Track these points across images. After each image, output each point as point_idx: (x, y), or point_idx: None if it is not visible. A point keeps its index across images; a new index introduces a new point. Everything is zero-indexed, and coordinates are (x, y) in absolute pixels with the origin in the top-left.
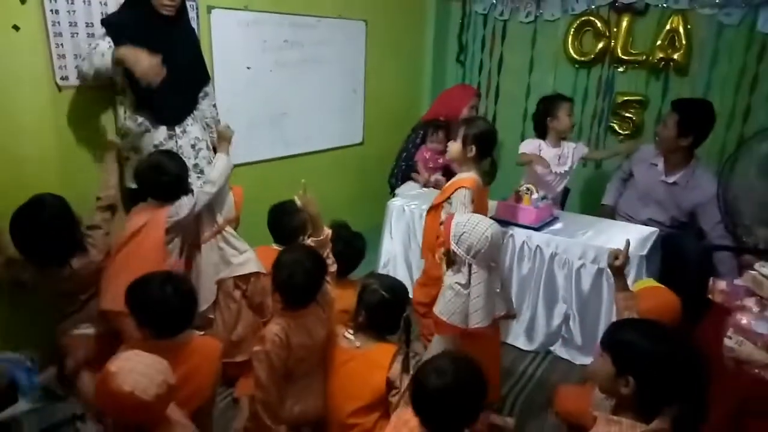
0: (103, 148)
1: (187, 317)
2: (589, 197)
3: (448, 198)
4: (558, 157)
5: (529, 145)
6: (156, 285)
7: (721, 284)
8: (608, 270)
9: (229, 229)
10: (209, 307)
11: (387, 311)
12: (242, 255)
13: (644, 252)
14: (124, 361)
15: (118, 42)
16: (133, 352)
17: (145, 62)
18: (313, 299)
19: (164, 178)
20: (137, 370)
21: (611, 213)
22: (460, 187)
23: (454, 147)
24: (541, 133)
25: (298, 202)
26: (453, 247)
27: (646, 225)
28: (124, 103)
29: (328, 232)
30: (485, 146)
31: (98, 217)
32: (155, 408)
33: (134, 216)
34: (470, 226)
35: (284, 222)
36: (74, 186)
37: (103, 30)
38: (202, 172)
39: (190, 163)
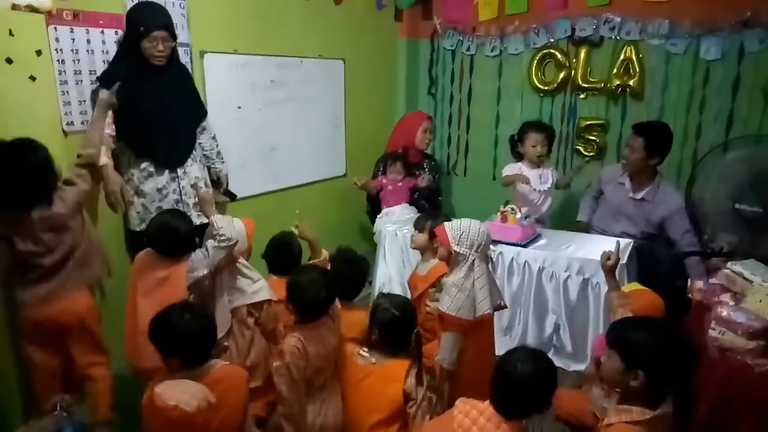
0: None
1: (209, 342)
2: (562, 216)
3: (433, 285)
4: (539, 176)
5: (512, 168)
6: (177, 314)
7: (699, 284)
8: (592, 281)
9: (241, 259)
10: (224, 335)
11: (398, 328)
12: (255, 284)
13: (623, 261)
14: (167, 384)
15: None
16: (173, 381)
17: (115, 186)
18: (327, 312)
19: (174, 236)
20: (179, 389)
21: (586, 229)
22: (444, 274)
23: (421, 237)
24: (517, 155)
25: (295, 231)
26: (455, 248)
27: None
28: (125, 150)
29: (326, 253)
30: None
31: (74, 172)
32: (196, 422)
33: (146, 266)
34: (465, 226)
35: (284, 253)
36: None
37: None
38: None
39: (191, 202)
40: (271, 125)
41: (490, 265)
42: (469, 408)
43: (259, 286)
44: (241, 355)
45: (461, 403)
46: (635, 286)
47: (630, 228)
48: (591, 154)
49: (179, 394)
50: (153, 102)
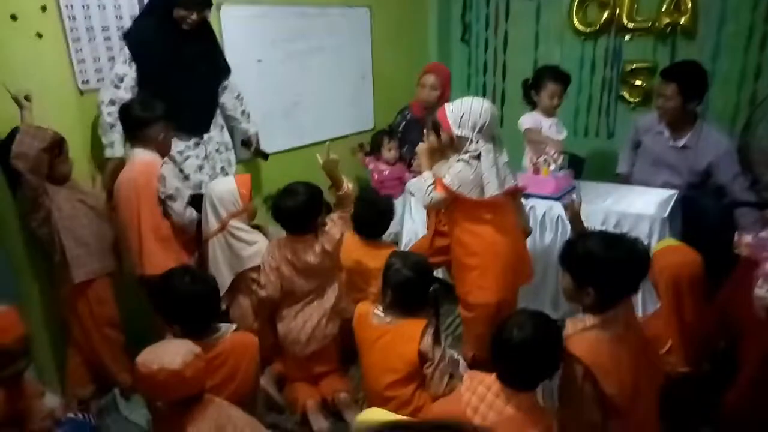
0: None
1: (212, 306)
2: (602, 167)
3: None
4: (555, 127)
5: (531, 120)
6: (177, 278)
7: (747, 238)
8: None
9: (235, 222)
10: (223, 298)
11: (412, 289)
12: (251, 247)
13: (665, 214)
14: (146, 350)
15: (138, 56)
16: (152, 346)
17: None
18: (308, 230)
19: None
20: (159, 351)
21: (626, 181)
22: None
23: (431, 138)
24: (530, 100)
25: (320, 161)
26: (456, 131)
27: None
28: None
29: (349, 186)
30: None
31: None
32: (187, 377)
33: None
34: (466, 106)
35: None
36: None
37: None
38: (227, 174)
39: (217, 167)
40: (295, 79)
41: (498, 146)
42: (476, 384)
43: (255, 249)
44: (247, 317)
45: (468, 380)
46: (670, 241)
47: (673, 178)
48: (636, 100)
49: (160, 356)
50: (179, 68)
